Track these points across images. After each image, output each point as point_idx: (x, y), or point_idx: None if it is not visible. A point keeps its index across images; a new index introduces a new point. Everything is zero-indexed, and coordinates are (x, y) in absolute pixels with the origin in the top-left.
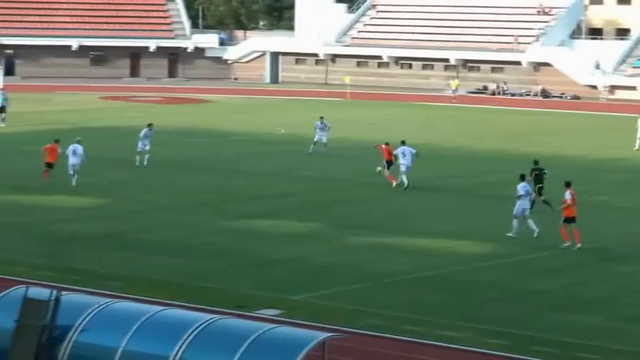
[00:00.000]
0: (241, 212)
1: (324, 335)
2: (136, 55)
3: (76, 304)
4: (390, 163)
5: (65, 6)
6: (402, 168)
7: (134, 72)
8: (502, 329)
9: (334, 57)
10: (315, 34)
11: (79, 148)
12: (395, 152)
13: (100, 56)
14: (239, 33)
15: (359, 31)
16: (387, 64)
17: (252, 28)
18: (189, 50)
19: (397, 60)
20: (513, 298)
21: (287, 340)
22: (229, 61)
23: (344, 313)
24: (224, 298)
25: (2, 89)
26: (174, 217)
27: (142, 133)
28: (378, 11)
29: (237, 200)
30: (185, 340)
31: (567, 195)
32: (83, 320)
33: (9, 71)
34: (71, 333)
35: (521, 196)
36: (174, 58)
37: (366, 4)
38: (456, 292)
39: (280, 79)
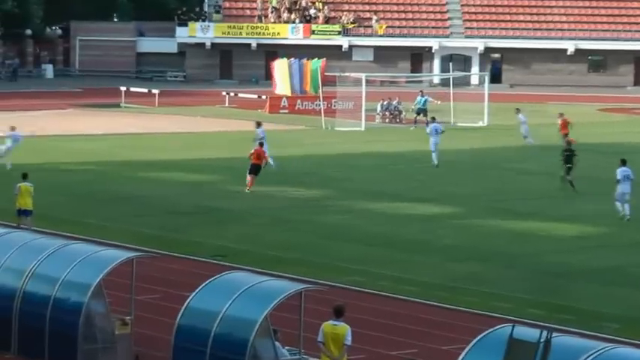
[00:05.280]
0: None
1: None
2: None
3: (568, 348)
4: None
5: (561, 3)
6: None
7: (639, 80)
8: None
9: None
10: None
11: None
12: None
13: (599, 61)
14: None
15: None
16: None
17: None
18: None
19: None
20: None
21: None
22: None
23: None
24: None
25: (421, 92)
26: None
27: None
28: None
29: None
30: None
31: None
32: None
33: (495, 78)
34: None
35: (619, 180)
36: None
37: None
38: None
39: None
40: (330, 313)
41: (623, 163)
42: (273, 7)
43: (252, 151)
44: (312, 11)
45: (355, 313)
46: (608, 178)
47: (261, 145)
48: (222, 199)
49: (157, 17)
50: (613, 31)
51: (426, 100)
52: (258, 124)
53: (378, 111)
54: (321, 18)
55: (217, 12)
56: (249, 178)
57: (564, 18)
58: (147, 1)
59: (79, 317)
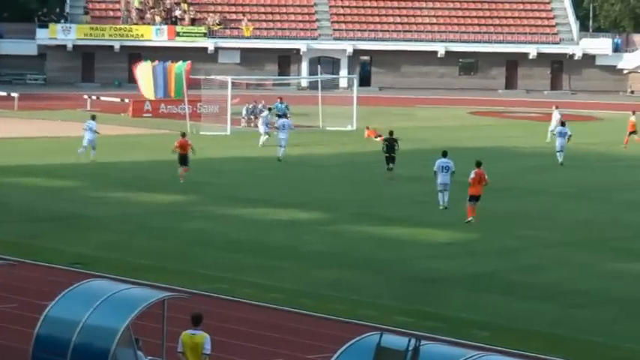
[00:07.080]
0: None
1: None
2: (512, 62)
3: (437, 356)
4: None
5: (431, 5)
6: None
7: (510, 83)
8: None
9: None
10: None
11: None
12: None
13: (470, 64)
14: (637, 37)
15: None
16: None
17: None
18: (576, 57)
19: None
20: None
21: None
22: (625, 71)
23: None
24: (617, 356)
25: (280, 99)
26: (556, 256)
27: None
28: None
29: (637, 238)
30: None
31: (472, 174)
32: None
33: (364, 81)
34: None
35: (435, 171)
36: (557, 66)
37: None
38: None
39: None
40: None
41: (444, 154)
42: (137, 9)
43: (176, 143)
44: (177, 12)
45: (219, 321)
46: None
47: (183, 135)
48: (84, 206)
49: (17, 18)
50: (484, 33)
51: (285, 106)
52: (93, 117)
53: (243, 115)
54: (186, 19)
55: (86, 13)
56: (180, 169)
57: (434, 20)
58: (6, 1)
59: None
